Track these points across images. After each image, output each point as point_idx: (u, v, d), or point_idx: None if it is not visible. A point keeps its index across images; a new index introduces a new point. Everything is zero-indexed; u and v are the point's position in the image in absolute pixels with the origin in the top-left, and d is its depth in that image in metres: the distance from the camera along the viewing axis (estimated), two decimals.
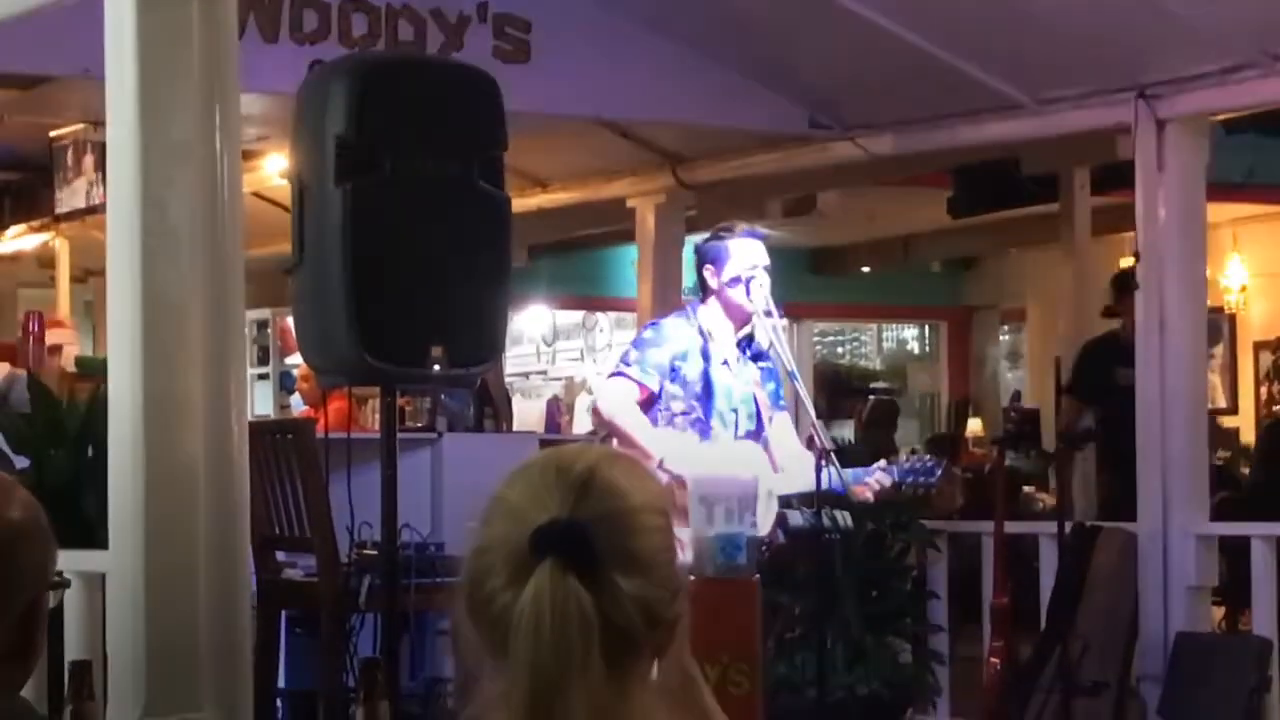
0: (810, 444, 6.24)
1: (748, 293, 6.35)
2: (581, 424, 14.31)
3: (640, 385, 6.32)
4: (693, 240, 9.92)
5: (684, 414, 6.32)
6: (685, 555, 5.75)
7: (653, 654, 1.80)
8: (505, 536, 1.78)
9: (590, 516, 1.76)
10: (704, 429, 6.33)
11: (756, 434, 6.39)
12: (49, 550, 2.45)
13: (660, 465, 6.15)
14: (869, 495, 6.39)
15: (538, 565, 1.73)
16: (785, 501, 6.43)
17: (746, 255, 6.40)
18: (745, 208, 9.80)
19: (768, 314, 6.35)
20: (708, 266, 6.47)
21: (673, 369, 6.33)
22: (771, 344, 6.37)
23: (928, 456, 6.70)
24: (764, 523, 6.11)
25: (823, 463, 5.95)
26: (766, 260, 6.42)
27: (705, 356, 6.36)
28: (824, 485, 6.03)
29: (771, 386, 6.41)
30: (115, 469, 3.88)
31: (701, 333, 6.39)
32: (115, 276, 3.89)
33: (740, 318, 6.40)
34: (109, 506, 3.89)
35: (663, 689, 1.81)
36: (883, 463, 6.53)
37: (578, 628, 1.71)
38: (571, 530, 1.75)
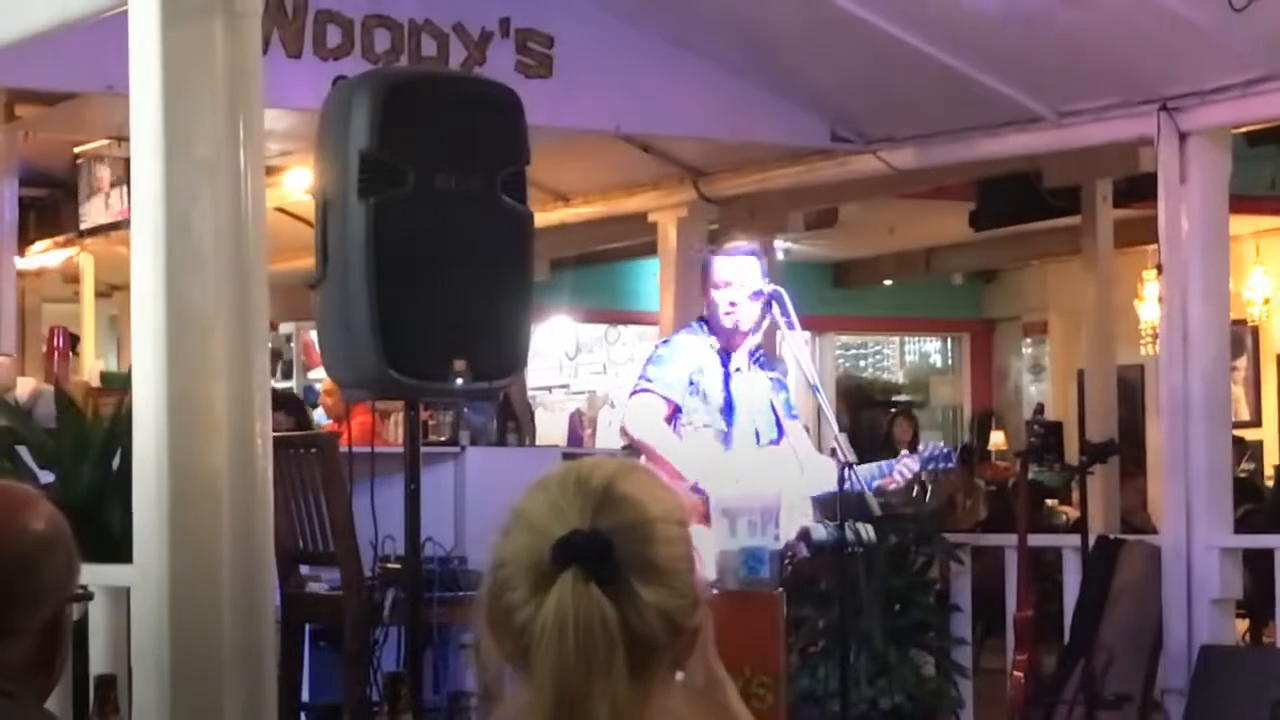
0: (833, 456, 6.23)
1: (719, 308, 6.32)
2: (603, 438, 14.32)
3: (666, 400, 6.31)
4: None
5: (705, 426, 6.31)
6: (706, 567, 5.75)
7: (673, 663, 1.81)
8: (525, 549, 1.80)
9: (610, 527, 1.78)
10: (727, 440, 6.32)
11: (778, 442, 6.39)
12: (72, 563, 2.46)
13: (695, 488, 6.11)
14: (899, 483, 6.45)
15: (559, 576, 1.75)
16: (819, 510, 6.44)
17: (722, 271, 6.36)
18: (767, 221, 9.82)
19: (753, 332, 6.34)
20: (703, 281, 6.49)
21: (691, 383, 6.32)
22: (796, 358, 6.36)
23: (940, 443, 6.97)
24: (790, 528, 6.09)
25: (845, 473, 5.94)
26: (747, 276, 6.30)
27: (723, 368, 6.35)
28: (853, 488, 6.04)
29: (784, 396, 6.39)
30: (140, 483, 3.89)
31: (713, 345, 6.38)
32: (140, 291, 3.91)
33: (721, 332, 6.36)
34: (133, 520, 3.90)
35: (688, 690, 1.83)
36: (905, 452, 6.58)
37: (601, 637, 1.73)
38: (593, 540, 1.76)
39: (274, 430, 4.05)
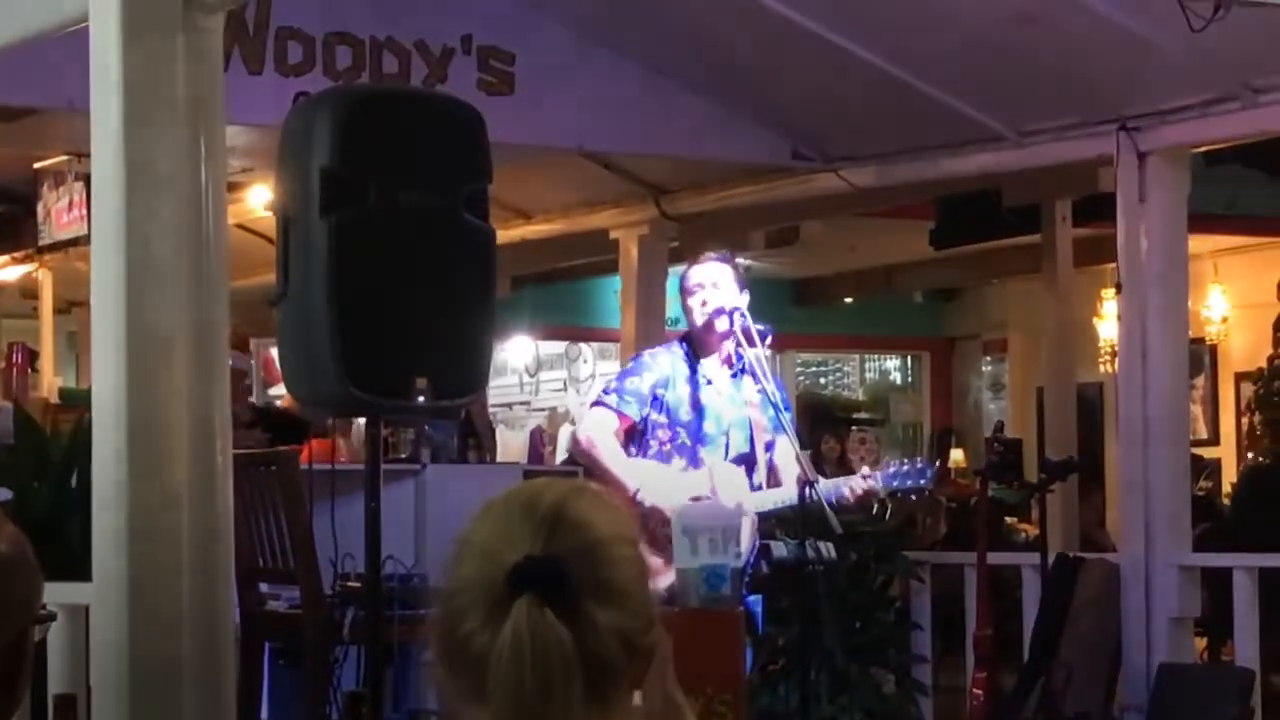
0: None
1: (694, 313, 6.36)
2: (564, 455, 14.31)
3: (619, 414, 6.31)
4: (676, 271, 9.97)
5: (670, 440, 6.32)
6: (659, 583, 5.74)
7: (631, 684, 1.80)
8: (477, 577, 1.78)
9: (563, 551, 1.77)
10: (691, 455, 6.31)
11: (749, 457, 6.36)
12: (36, 583, 2.44)
13: (635, 496, 6.15)
14: (851, 500, 6.28)
15: (514, 603, 1.74)
16: (767, 530, 6.43)
17: (694, 276, 6.42)
18: (728, 239, 9.81)
19: (727, 336, 6.32)
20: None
21: (654, 397, 6.33)
22: (758, 375, 6.33)
23: (918, 459, 6.58)
24: (745, 543, 6.08)
25: (806, 491, 5.94)
26: (719, 278, 6.35)
27: (691, 381, 6.35)
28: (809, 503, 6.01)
29: (771, 412, 6.34)
30: (99, 500, 3.87)
31: (687, 357, 6.39)
32: (99, 307, 3.89)
33: (699, 337, 6.38)
34: (93, 538, 3.88)
35: (646, 715, 1.82)
36: (865, 470, 6.51)
37: (558, 663, 1.72)
38: (546, 566, 1.75)
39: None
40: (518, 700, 1.72)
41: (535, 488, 1.85)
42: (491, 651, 1.73)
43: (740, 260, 6.78)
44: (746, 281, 6.50)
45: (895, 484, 6.38)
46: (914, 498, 6.50)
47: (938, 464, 6.66)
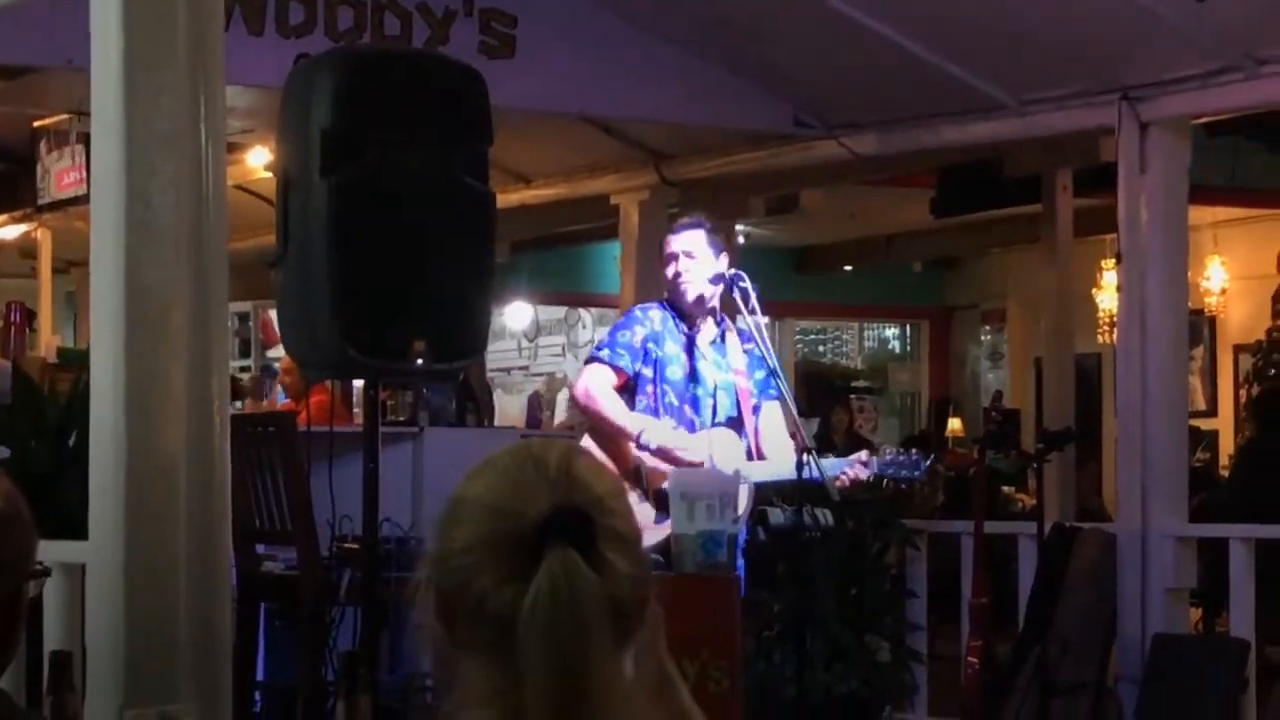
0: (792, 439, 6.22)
1: (670, 282, 6.35)
2: (562, 419, 14.32)
3: (614, 368, 6.30)
4: None
5: (659, 398, 6.30)
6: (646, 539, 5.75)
7: (628, 639, 1.80)
8: (491, 533, 1.78)
9: (583, 502, 1.79)
10: (678, 415, 6.30)
11: (737, 421, 6.35)
12: (30, 540, 2.45)
13: (640, 439, 6.14)
14: (844, 483, 6.28)
15: (546, 554, 1.74)
16: (764, 497, 6.43)
17: (670, 245, 6.41)
18: (728, 205, 9.82)
19: (708, 305, 6.31)
20: None
21: (645, 351, 6.31)
22: (756, 343, 6.32)
23: (914, 451, 6.53)
24: (741, 508, 6.09)
25: (803, 458, 5.93)
26: (692, 245, 6.31)
27: (678, 341, 6.34)
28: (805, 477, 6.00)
29: (761, 375, 6.33)
30: (96, 460, 3.87)
31: (675, 318, 6.37)
32: (98, 267, 3.88)
33: (680, 306, 6.37)
34: (89, 497, 3.88)
35: (638, 685, 1.82)
36: (863, 454, 6.47)
37: (592, 609, 1.73)
38: (576, 514, 1.77)
39: None
40: (556, 651, 1.72)
41: (537, 446, 1.86)
42: (520, 606, 1.73)
43: (740, 227, 6.75)
44: (743, 251, 6.46)
45: (890, 472, 6.37)
46: (904, 486, 6.49)
47: (931, 459, 6.62)
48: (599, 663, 1.73)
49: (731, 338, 6.31)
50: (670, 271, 6.35)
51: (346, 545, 5.83)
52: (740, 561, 6.28)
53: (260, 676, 6.75)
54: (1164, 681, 7.24)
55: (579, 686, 1.72)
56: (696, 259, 6.30)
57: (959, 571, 7.94)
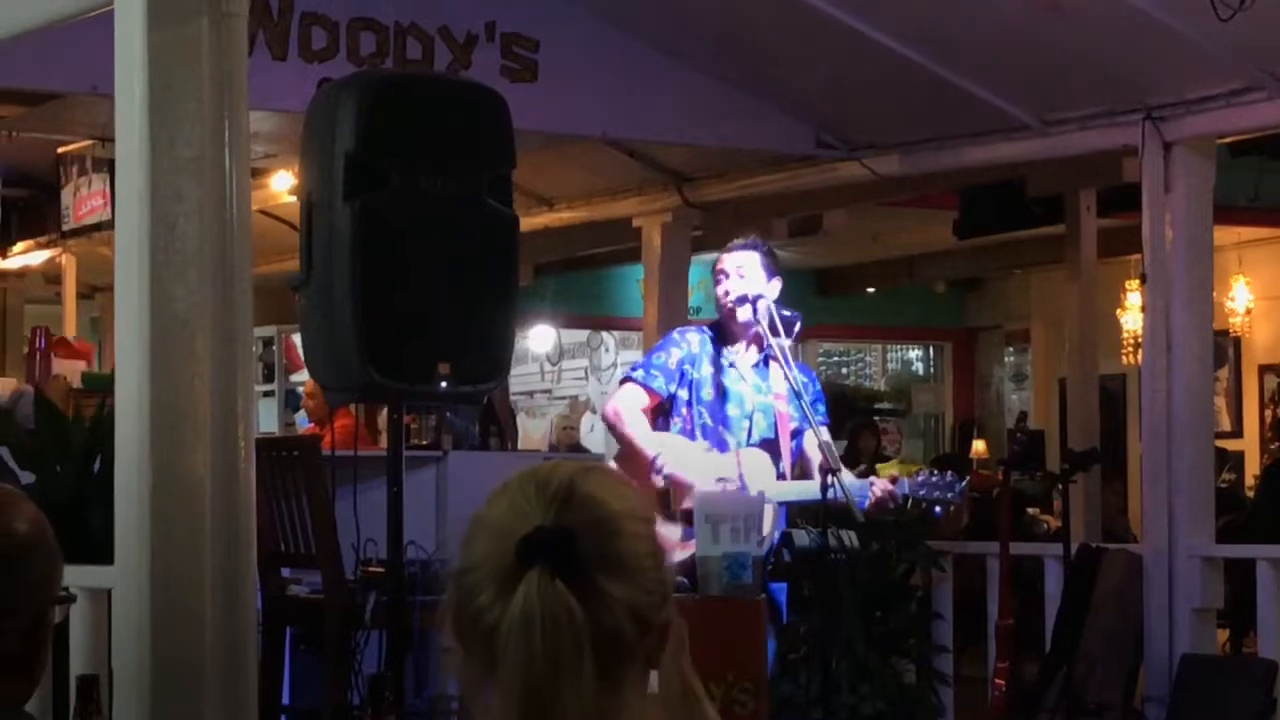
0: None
1: (719, 300, 6.35)
2: (586, 443, 14.31)
3: (647, 389, 6.30)
4: (698, 260, 9.97)
5: (694, 420, 6.30)
6: (673, 558, 5.73)
7: (647, 661, 1.80)
8: (489, 552, 1.79)
9: (573, 523, 1.78)
10: (714, 436, 6.29)
11: (773, 444, 6.33)
12: (55, 564, 2.45)
13: (655, 463, 6.13)
14: (875, 497, 6.20)
15: (525, 574, 1.74)
16: (790, 519, 6.41)
17: (721, 263, 6.41)
18: (751, 227, 9.79)
19: (749, 325, 6.28)
20: None
21: (681, 373, 6.31)
22: (779, 365, 6.29)
23: (949, 474, 6.41)
24: (766, 529, 6.06)
25: (828, 479, 5.92)
26: (744, 265, 6.30)
27: (715, 364, 6.34)
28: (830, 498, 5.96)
29: (806, 400, 6.25)
30: (121, 484, 3.88)
31: (713, 342, 6.37)
32: (123, 292, 3.89)
33: (725, 324, 6.36)
34: (115, 522, 3.89)
35: (663, 700, 1.82)
36: (893, 473, 6.43)
37: (568, 634, 1.72)
38: (557, 536, 1.76)
39: None
40: (527, 672, 1.72)
41: (548, 467, 1.86)
42: (502, 624, 1.74)
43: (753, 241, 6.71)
44: (778, 268, 6.44)
45: (922, 493, 6.27)
46: (938, 509, 6.41)
47: (967, 479, 6.54)
48: (572, 692, 1.71)
49: (776, 363, 6.28)
50: (721, 290, 6.35)
51: (371, 569, 5.83)
52: (781, 585, 6.27)
53: (286, 701, 6.74)
54: (1191, 702, 7.21)
55: (546, 712, 1.71)
56: (746, 278, 6.30)
57: (985, 593, 7.92)
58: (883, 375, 17.54)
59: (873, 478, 6.35)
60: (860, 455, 12.73)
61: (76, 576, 4.41)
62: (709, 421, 6.29)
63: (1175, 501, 7.41)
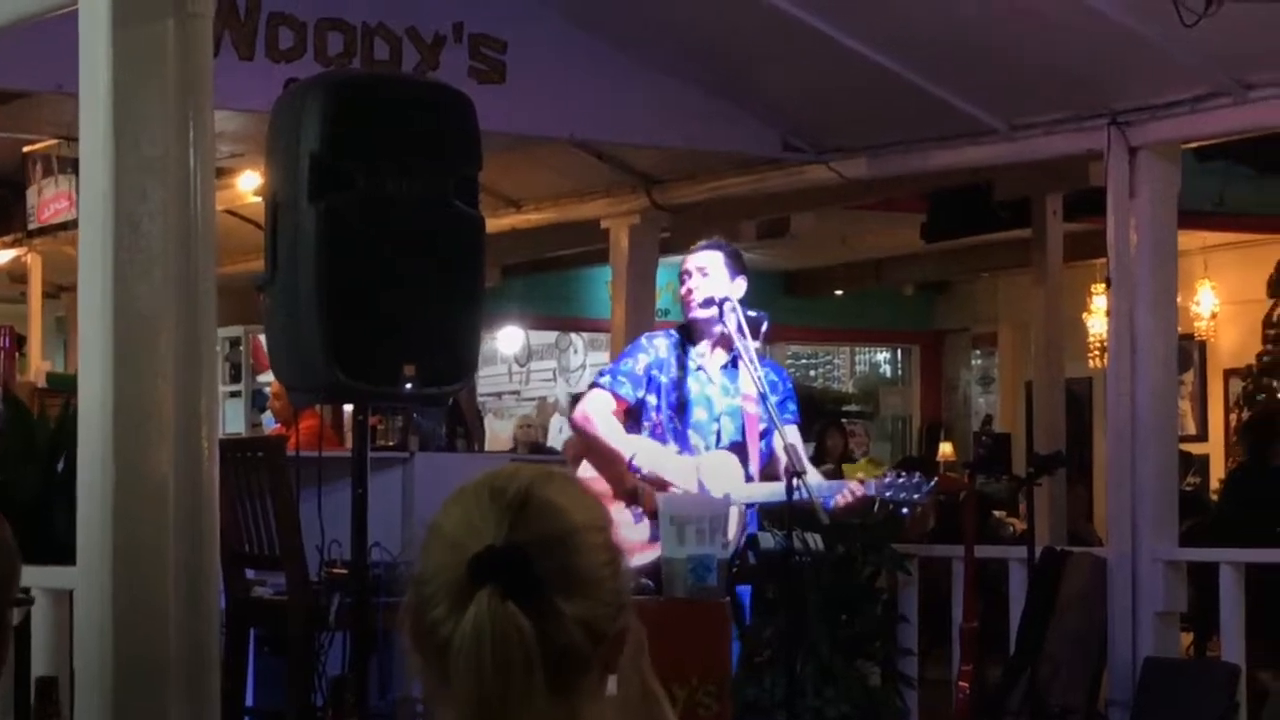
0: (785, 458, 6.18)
1: (682, 296, 6.35)
2: (554, 444, 14.31)
3: (614, 395, 6.30)
4: (666, 261, 9.97)
5: (663, 423, 6.29)
6: (641, 559, 5.74)
7: (604, 668, 1.79)
8: (443, 565, 1.77)
9: (528, 539, 1.75)
10: (682, 439, 6.30)
11: (741, 446, 6.33)
12: (13, 565, 2.44)
13: (632, 463, 6.13)
14: (843, 503, 6.23)
15: (476, 593, 1.73)
16: (761, 523, 6.41)
17: (685, 263, 6.41)
18: (719, 229, 9.80)
19: (713, 324, 6.28)
20: None
21: (649, 378, 6.31)
22: (746, 367, 6.29)
23: (916, 475, 6.43)
24: (731, 532, 6.07)
25: (793, 481, 5.92)
26: (710, 265, 6.30)
27: (682, 367, 6.34)
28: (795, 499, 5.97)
29: (774, 400, 6.26)
30: (84, 485, 3.86)
31: (681, 344, 6.37)
32: (86, 291, 3.88)
33: (699, 322, 6.36)
34: (78, 523, 3.87)
35: (623, 706, 1.81)
36: (860, 475, 6.44)
37: (518, 654, 1.71)
38: (508, 556, 1.73)
39: None
40: (478, 689, 1.71)
41: (506, 473, 1.83)
42: (454, 640, 1.73)
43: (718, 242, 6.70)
44: (743, 268, 6.44)
45: (889, 494, 6.28)
46: (905, 510, 6.42)
47: (934, 481, 6.54)
48: (523, 708, 1.71)
49: (744, 365, 6.28)
50: (684, 289, 6.35)
51: (335, 570, 5.82)
52: (745, 588, 6.27)
53: (249, 702, 6.73)
54: (1154, 706, 7.23)
55: None
56: (710, 277, 6.30)
57: (950, 596, 7.94)
58: (850, 377, 17.57)
59: (845, 481, 6.34)
60: (827, 455, 12.74)
61: (39, 577, 4.40)
62: (677, 426, 6.30)
63: (1139, 505, 7.44)
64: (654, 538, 5.91)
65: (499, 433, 15.84)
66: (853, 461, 12.96)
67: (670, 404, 6.31)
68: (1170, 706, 7.19)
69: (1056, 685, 7.43)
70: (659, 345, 6.38)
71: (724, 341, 6.33)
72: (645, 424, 6.30)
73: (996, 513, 11.94)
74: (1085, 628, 7.52)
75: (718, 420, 6.33)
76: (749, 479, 6.27)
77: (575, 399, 6.78)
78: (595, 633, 1.76)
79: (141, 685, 3.81)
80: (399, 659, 6.52)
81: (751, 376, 6.21)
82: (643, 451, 6.18)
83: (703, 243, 6.50)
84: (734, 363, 6.34)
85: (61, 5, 4.15)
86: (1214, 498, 11.77)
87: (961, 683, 7.46)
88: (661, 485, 6.12)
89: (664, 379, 6.32)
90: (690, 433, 6.30)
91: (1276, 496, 9.15)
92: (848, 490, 6.21)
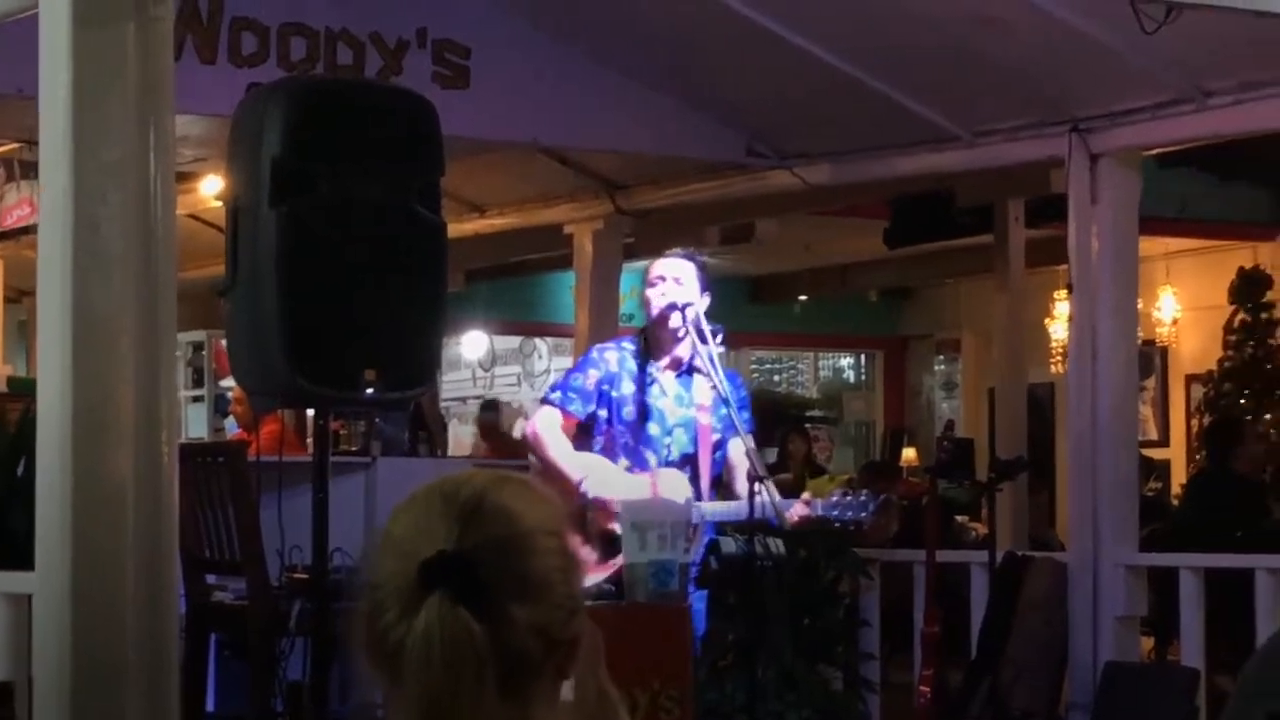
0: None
1: (651, 304, 6.34)
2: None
3: (563, 412, 6.30)
4: (630, 267, 9.97)
5: (614, 439, 6.30)
6: (592, 578, 5.75)
7: (558, 673, 1.79)
8: (394, 571, 1.77)
9: (478, 545, 1.75)
10: (634, 455, 6.30)
11: (693, 458, 6.34)
12: None
13: (580, 486, 6.14)
14: (791, 520, 6.27)
15: (426, 599, 1.73)
16: (718, 528, 6.43)
17: (655, 269, 6.40)
18: (683, 235, 9.83)
19: (678, 331, 6.28)
20: None
21: (600, 394, 6.31)
22: (708, 373, 6.30)
23: (863, 492, 6.49)
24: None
25: (755, 487, 5.94)
26: (679, 272, 6.32)
27: (638, 381, 6.34)
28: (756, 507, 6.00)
29: (724, 411, 6.27)
30: (43, 489, 3.85)
31: (636, 356, 6.36)
32: (46, 295, 3.87)
33: (652, 330, 6.36)
34: (37, 526, 3.86)
35: (578, 711, 1.81)
36: (806, 495, 6.50)
37: (469, 659, 1.71)
38: (458, 562, 1.73)
39: None
40: (429, 695, 1.71)
41: (459, 478, 1.83)
42: (405, 646, 1.73)
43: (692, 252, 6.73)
44: (709, 282, 6.45)
45: (836, 514, 6.34)
46: (853, 529, 6.47)
47: (883, 499, 6.58)
48: (474, 710, 1.71)
49: (703, 370, 6.28)
50: (657, 293, 6.32)
51: (296, 576, 5.81)
52: (702, 593, 6.28)
53: (209, 707, 6.71)
54: (1115, 710, 7.26)
55: None
56: (683, 286, 6.30)
57: (912, 600, 7.96)
58: (814, 383, 17.61)
59: (792, 501, 6.38)
60: (790, 460, 12.76)
61: None
62: (630, 441, 6.30)
63: (1100, 510, 7.47)
64: (604, 558, 5.94)
65: (463, 438, 15.82)
66: (816, 465, 13.00)
67: (621, 419, 6.31)
68: (1131, 711, 7.22)
69: (1018, 689, 7.46)
70: (610, 359, 6.37)
71: (681, 351, 6.33)
72: (597, 437, 6.30)
73: (959, 517, 11.97)
74: (1046, 632, 7.54)
75: (670, 434, 6.33)
76: (698, 496, 6.28)
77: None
78: (549, 638, 1.76)
79: (100, 690, 3.79)
80: (360, 664, 6.52)
81: (713, 381, 6.21)
82: (593, 473, 6.18)
83: (676, 251, 6.51)
84: (689, 371, 6.34)
85: (22, 9, 4.14)
86: (1175, 503, 11.83)
87: (923, 687, 7.48)
88: (608, 512, 6.11)
89: (615, 393, 6.32)
90: (643, 448, 6.30)
91: (1237, 502, 9.20)
92: (793, 511, 6.25)
